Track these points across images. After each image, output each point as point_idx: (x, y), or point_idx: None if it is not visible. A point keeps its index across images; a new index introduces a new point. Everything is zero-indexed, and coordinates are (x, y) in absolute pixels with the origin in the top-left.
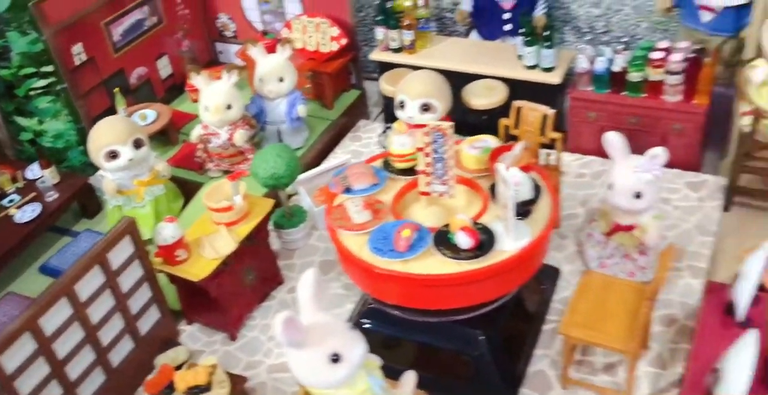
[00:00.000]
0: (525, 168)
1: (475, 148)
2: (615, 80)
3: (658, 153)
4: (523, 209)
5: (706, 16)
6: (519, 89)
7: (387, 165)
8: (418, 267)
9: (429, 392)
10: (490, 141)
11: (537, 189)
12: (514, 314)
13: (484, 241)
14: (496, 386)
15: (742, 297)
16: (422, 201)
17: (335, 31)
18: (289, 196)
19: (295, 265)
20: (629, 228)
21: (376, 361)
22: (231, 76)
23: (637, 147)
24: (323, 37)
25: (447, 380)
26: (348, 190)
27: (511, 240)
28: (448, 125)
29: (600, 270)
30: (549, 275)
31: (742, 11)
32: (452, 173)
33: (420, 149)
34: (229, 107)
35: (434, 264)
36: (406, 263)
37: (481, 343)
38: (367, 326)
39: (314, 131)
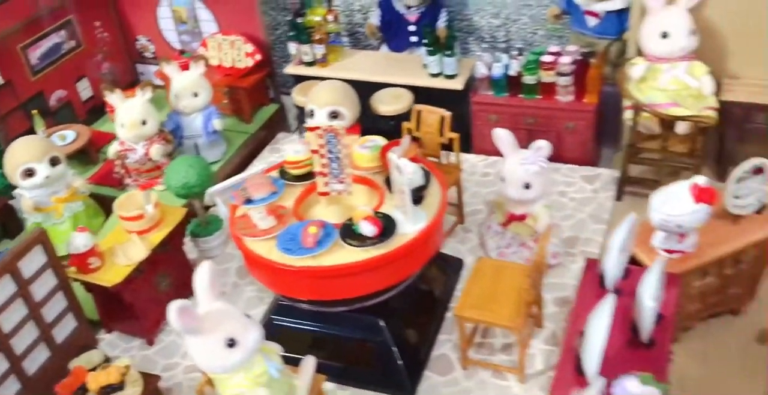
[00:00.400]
0: (413, 160)
1: (365, 147)
2: (512, 84)
3: (542, 145)
4: (417, 195)
5: (591, 21)
6: (427, 96)
7: (284, 174)
8: (328, 260)
9: (341, 381)
10: (378, 140)
11: (427, 177)
12: (418, 302)
13: (387, 227)
14: (398, 370)
15: (608, 268)
16: (323, 202)
17: (249, 47)
18: (207, 207)
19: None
20: (522, 217)
21: (276, 348)
22: (145, 92)
23: None
24: (238, 53)
25: (357, 369)
26: (249, 201)
27: (411, 224)
28: (339, 125)
29: (500, 259)
30: (453, 266)
31: (623, 15)
32: (348, 171)
33: (315, 152)
34: (144, 122)
35: (343, 255)
36: (317, 258)
37: (382, 330)
38: (279, 322)
39: (232, 145)
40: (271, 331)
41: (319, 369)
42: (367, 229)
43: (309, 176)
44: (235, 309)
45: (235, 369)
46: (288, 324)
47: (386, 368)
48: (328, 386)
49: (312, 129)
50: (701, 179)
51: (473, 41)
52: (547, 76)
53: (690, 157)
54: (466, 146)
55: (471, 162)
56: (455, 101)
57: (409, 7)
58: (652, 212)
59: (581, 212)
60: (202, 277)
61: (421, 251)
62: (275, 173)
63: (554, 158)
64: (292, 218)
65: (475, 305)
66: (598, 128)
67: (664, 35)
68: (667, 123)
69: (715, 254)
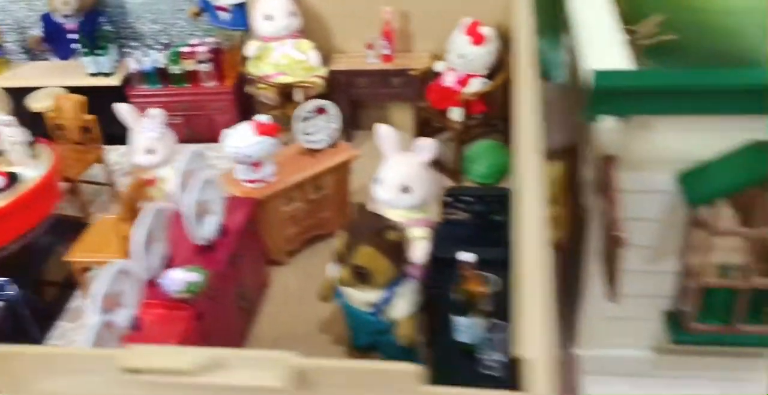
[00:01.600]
0: None
1: None
2: (164, 76)
3: (156, 114)
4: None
5: (223, 16)
6: (92, 96)
7: None
8: None
9: None
10: None
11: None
12: (52, 264)
13: (12, 177)
14: (27, 321)
15: (176, 194)
16: None
17: None
18: None
19: None
20: (152, 182)
21: None
22: None
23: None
24: None
25: None
26: None
27: (32, 170)
28: None
29: None
30: None
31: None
32: None
33: None
34: None
35: None
36: None
37: (7, 287)
38: None
39: None
40: None
41: None
42: None
43: None
44: None
45: None
46: None
47: (15, 322)
48: None
49: None
50: (262, 117)
51: (141, 47)
52: (189, 65)
53: None
54: None
55: None
56: (118, 97)
57: (66, 17)
58: (224, 146)
59: None
60: None
61: (48, 193)
62: None
63: (209, 138)
64: None
65: (86, 249)
66: (241, 107)
67: (268, 17)
68: (284, 93)
69: (294, 180)
